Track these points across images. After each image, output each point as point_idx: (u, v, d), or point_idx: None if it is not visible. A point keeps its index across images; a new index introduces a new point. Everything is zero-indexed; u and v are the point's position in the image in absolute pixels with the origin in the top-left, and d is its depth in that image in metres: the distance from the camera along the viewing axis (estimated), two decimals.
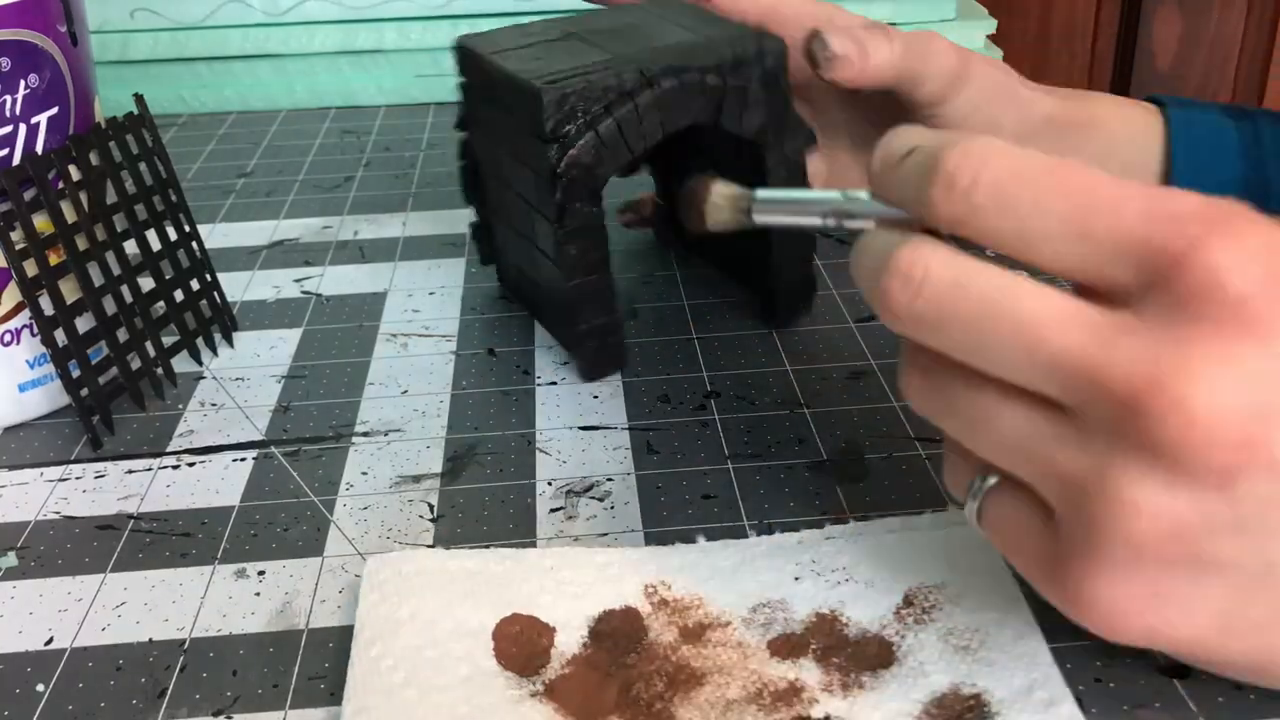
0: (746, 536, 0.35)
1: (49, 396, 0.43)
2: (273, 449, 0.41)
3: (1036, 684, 0.28)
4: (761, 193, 0.32)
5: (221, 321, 0.48)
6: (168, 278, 0.45)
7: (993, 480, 0.27)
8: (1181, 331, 0.22)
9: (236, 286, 0.52)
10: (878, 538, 0.33)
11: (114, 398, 0.42)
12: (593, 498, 0.37)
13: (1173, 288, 0.23)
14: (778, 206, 0.32)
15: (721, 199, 0.32)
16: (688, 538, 0.34)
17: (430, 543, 0.36)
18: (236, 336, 0.48)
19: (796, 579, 0.32)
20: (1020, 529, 0.26)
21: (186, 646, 0.32)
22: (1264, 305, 0.22)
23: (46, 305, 0.40)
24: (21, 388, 0.42)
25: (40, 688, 0.31)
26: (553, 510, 0.37)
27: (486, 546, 0.35)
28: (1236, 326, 0.22)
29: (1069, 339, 0.23)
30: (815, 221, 0.30)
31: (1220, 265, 0.22)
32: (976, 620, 0.30)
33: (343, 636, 0.32)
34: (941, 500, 0.36)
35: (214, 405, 0.44)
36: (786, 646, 0.30)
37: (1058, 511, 0.25)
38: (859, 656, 0.30)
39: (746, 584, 0.32)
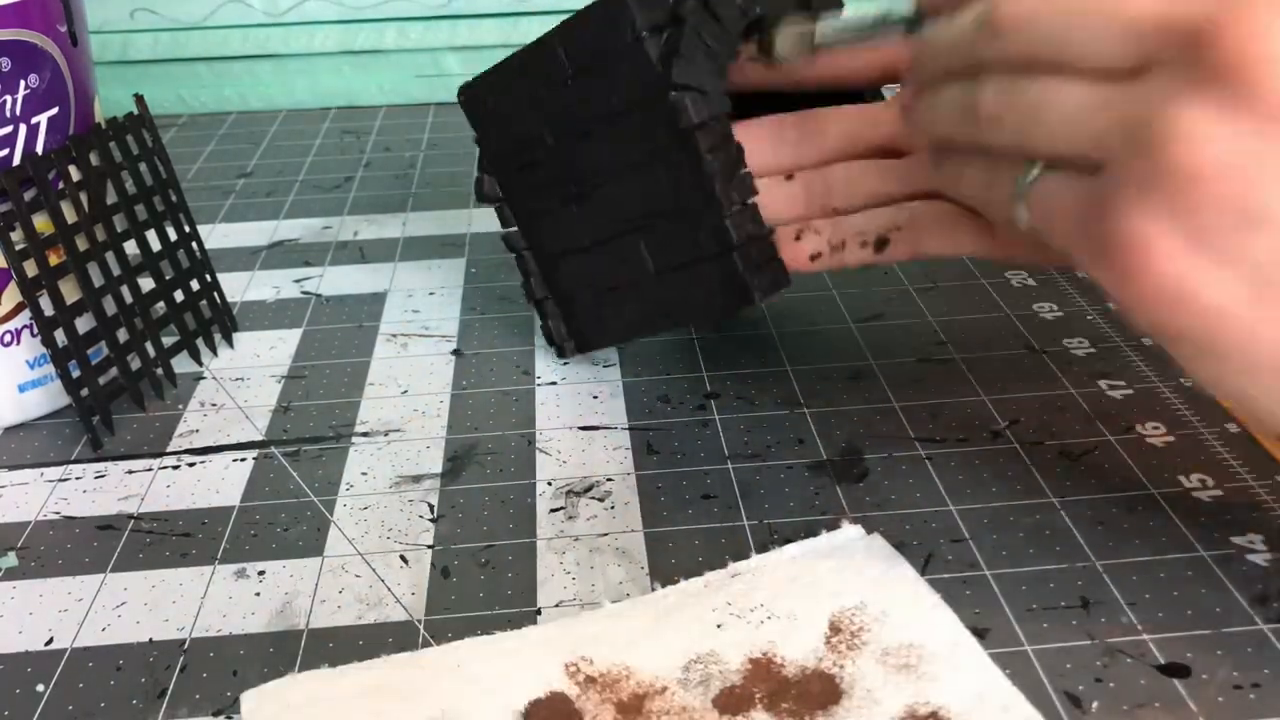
0: (745, 537, 0.35)
1: (49, 397, 0.43)
2: (273, 449, 0.41)
3: (986, 690, 0.28)
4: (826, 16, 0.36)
5: (221, 322, 0.48)
6: (168, 278, 0.45)
7: (1035, 171, 0.29)
8: None
9: (236, 287, 0.52)
10: (784, 567, 0.32)
11: (114, 398, 0.42)
12: (593, 498, 0.37)
13: None
14: (838, 29, 0.35)
15: (790, 27, 0.36)
16: (592, 604, 0.34)
17: (430, 542, 0.36)
18: (236, 337, 0.48)
19: (719, 626, 0.30)
20: (1065, 200, 0.28)
21: (186, 646, 0.32)
22: None
23: (46, 305, 0.40)
24: (21, 388, 0.42)
25: (40, 688, 0.31)
26: (553, 510, 0.37)
27: (486, 556, 0.35)
28: None
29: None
30: (869, 33, 0.34)
31: None
32: (907, 635, 0.30)
33: (343, 636, 0.32)
34: (941, 499, 0.36)
35: (214, 405, 0.44)
36: (732, 701, 0.28)
37: (1109, 165, 0.26)
38: (805, 696, 0.28)
39: (670, 642, 0.30)
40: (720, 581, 0.32)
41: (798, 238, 0.39)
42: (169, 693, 0.31)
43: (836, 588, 0.31)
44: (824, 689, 0.28)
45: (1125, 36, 0.26)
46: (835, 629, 0.30)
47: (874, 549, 0.33)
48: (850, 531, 0.34)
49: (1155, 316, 0.26)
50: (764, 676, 0.29)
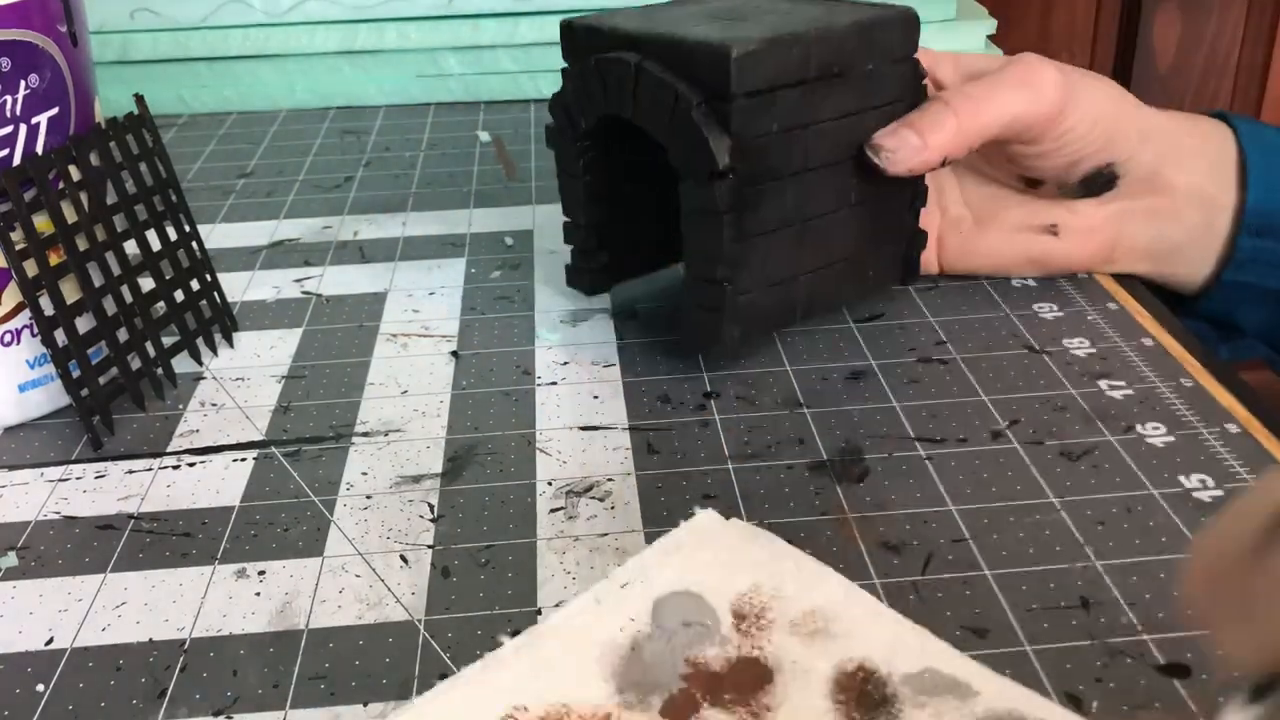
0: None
1: (49, 396, 0.43)
2: (273, 449, 0.41)
3: (897, 636, 0.30)
4: None
5: (221, 322, 0.48)
6: (168, 278, 0.45)
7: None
8: None
9: (236, 286, 0.52)
10: (669, 568, 0.33)
11: (114, 398, 0.42)
12: (593, 498, 0.37)
13: None
14: None
15: None
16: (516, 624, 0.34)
17: (431, 542, 0.36)
18: (236, 336, 0.48)
19: (634, 648, 0.31)
20: None
21: (187, 646, 0.32)
22: None
23: (46, 305, 0.40)
24: (22, 388, 0.42)
25: (40, 688, 0.31)
26: (553, 510, 0.37)
27: (486, 556, 0.35)
28: None
29: None
30: None
31: None
32: (806, 603, 0.31)
33: (343, 636, 0.32)
34: (941, 499, 0.36)
35: (214, 405, 0.44)
36: (678, 707, 0.29)
37: None
38: (741, 684, 0.29)
39: (592, 668, 0.30)
40: (613, 596, 0.32)
41: None
42: (169, 693, 0.31)
43: (725, 576, 0.32)
44: (755, 673, 0.30)
45: None
46: (739, 616, 0.31)
47: (743, 532, 0.34)
48: (709, 518, 0.34)
49: None
50: (696, 678, 0.30)
